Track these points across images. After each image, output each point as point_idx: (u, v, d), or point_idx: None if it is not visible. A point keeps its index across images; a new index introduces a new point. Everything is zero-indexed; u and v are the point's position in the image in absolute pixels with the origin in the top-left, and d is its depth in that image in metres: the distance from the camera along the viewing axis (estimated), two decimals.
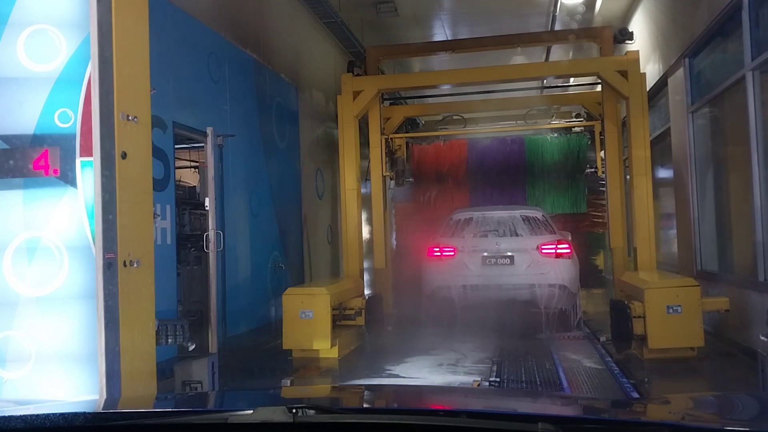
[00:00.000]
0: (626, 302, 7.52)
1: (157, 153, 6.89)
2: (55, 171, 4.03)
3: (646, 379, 6.39)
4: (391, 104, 13.58)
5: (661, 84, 10.57)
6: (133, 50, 4.14)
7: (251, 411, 1.43)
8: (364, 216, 11.48)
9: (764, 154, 6.95)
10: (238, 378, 6.92)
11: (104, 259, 3.84)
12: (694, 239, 9.30)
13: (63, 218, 4.01)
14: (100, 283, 3.82)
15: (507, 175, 12.87)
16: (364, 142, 11.57)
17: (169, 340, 4.65)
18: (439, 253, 9.49)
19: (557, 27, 13.40)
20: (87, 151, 3.97)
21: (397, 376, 7.14)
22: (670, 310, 6.97)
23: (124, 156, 3.97)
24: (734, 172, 8.11)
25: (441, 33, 14.28)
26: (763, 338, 4.33)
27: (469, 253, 9.33)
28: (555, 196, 12.80)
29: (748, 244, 7.35)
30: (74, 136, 4.00)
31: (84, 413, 1.55)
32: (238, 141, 8.85)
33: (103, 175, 3.89)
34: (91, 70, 3.91)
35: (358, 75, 11.08)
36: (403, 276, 12.94)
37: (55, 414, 1.50)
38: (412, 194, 13.37)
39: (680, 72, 9.50)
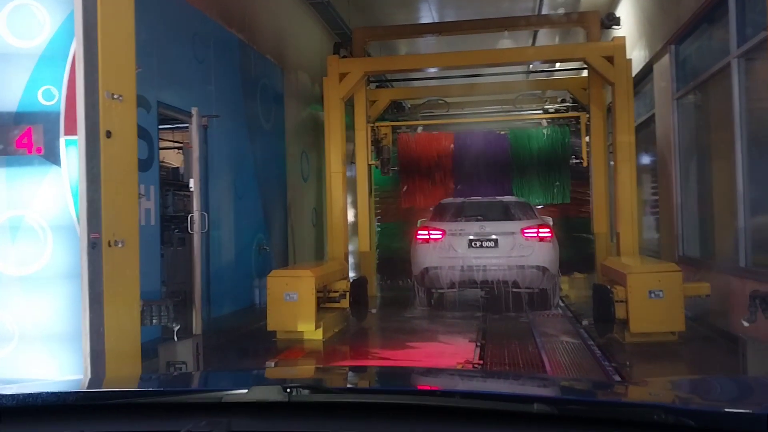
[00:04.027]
0: (609, 287, 7.60)
1: (141, 133, 6.80)
2: (38, 149, 3.97)
3: (627, 363, 6.47)
4: (377, 87, 13.51)
5: (647, 70, 10.60)
6: (118, 27, 4.07)
7: (245, 390, 1.42)
8: (349, 199, 11.47)
9: (748, 141, 7.01)
10: (223, 359, 6.90)
11: (89, 238, 3.80)
12: (676, 225, 9.39)
13: (47, 197, 3.96)
14: (84, 262, 3.79)
15: (492, 168, 12.97)
16: (350, 125, 11.53)
17: (154, 321, 4.63)
18: (427, 236, 9.84)
19: (544, 11, 13.38)
20: (71, 129, 3.91)
21: (382, 357, 7.17)
22: (652, 295, 7.04)
23: (108, 135, 3.92)
24: (718, 158, 8.17)
25: (428, 15, 14.21)
26: (744, 323, 4.39)
27: (456, 236, 9.69)
28: (540, 187, 12.89)
29: (730, 230, 7.43)
30: (58, 114, 3.94)
31: (77, 392, 1.53)
32: (222, 122, 8.77)
33: (87, 154, 3.84)
34: (76, 47, 3.84)
35: (344, 57, 11.01)
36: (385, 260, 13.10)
37: (47, 393, 1.48)
38: (398, 182, 13.40)
39: (666, 58, 9.54)
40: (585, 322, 8.42)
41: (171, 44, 7.71)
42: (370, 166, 11.87)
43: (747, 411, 1.45)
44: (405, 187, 13.27)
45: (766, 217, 6.81)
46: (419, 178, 13.24)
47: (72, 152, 3.93)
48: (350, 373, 2.24)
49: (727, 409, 1.43)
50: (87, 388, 2.07)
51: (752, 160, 6.94)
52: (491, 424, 1.37)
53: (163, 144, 9.18)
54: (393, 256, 13.00)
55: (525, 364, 6.59)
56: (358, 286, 9.33)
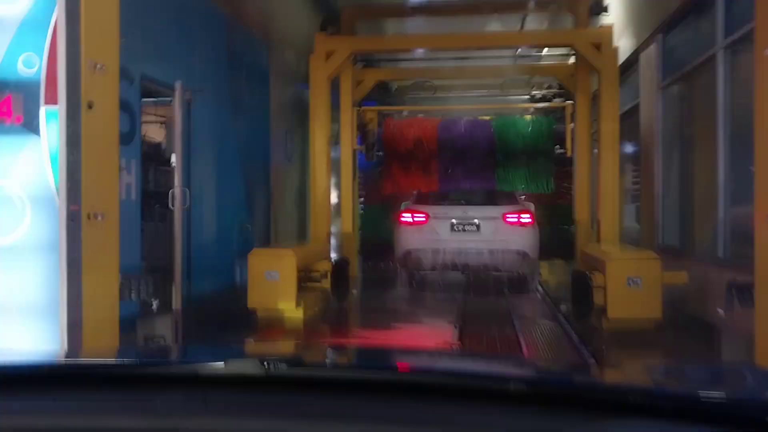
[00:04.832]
0: (588, 273, 7.66)
1: (123, 105, 6.72)
2: (18, 118, 3.91)
3: (604, 348, 6.54)
4: (364, 67, 13.41)
5: (634, 59, 10.62)
6: None
7: (222, 364, 1.41)
8: (332, 180, 11.43)
9: (730, 133, 7.06)
10: (201, 335, 6.88)
11: (68, 210, 3.76)
12: (657, 214, 9.47)
13: (26, 167, 3.91)
14: (63, 234, 3.74)
15: (476, 154, 12.95)
16: (336, 105, 11.45)
17: (133, 295, 4.60)
18: (411, 219, 10.01)
19: None
20: (52, 98, 3.85)
21: (361, 337, 7.20)
22: (631, 282, 7.11)
23: (90, 106, 3.86)
24: (700, 149, 8.23)
25: None
26: (720, 312, 4.45)
27: (440, 220, 9.87)
28: (524, 175, 12.87)
29: (710, 220, 7.51)
30: (39, 82, 3.88)
31: (51, 363, 1.51)
32: (206, 98, 8.67)
33: (68, 125, 3.78)
34: (58, 13, 3.76)
35: (331, 35, 10.91)
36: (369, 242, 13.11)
37: (22, 363, 1.46)
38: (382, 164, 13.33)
39: (653, 48, 9.56)
40: (563, 308, 8.51)
41: (156, 16, 7.59)
42: (354, 149, 11.81)
43: (721, 396, 1.47)
44: (389, 172, 13.20)
45: (745, 208, 6.87)
46: (403, 164, 13.19)
47: (52, 122, 3.87)
48: (329, 351, 2.24)
49: (701, 393, 1.44)
50: (64, 360, 2.05)
51: (734, 152, 7.00)
52: (468, 402, 1.38)
53: (145, 118, 9.09)
54: (375, 238, 13.00)
55: (502, 346, 6.65)
56: (340, 267, 9.32)
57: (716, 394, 1.45)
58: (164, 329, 5.33)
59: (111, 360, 1.76)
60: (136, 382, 1.50)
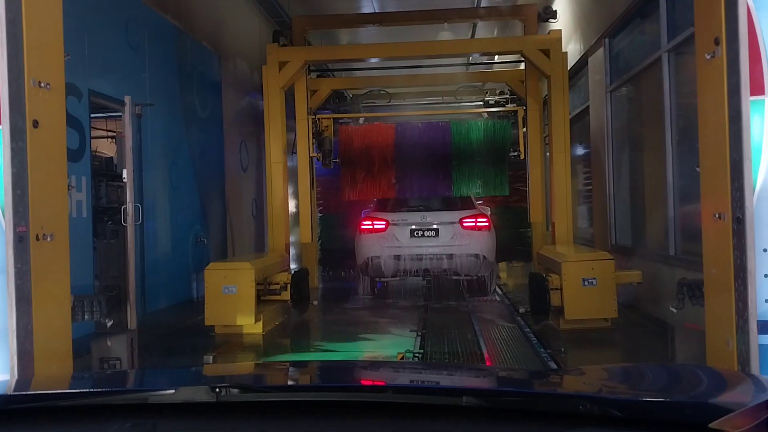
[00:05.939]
0: (544, 275, 7.77)
1: (72, 122, 6.61)
2: None
3: (562, 349, 6.62)
4: (318, 76, 13.39)
5: (582, 63, 10.83)
6: (44, 11, 3.90)
7: (172, 390, 1.39)
8: (290, 189, 11.37)
9: (677, 133, 7.25)
10: (158, 355, 6.76)
11: (15, 232, 3.65)
12: (609, 215, 9.65)
13: None
14: (10, 258, 3.63)
15: (433, 159, 13.02)
16: (291, 114, 11.40)
17: (86, 317, 4.49)
18: (371, 226, 10.13)
19: (484, 4, 13.50)
20: None
21: (323, 350, 7.16)
22: (586, 283, 7.22)
23: (35, 125, 3.76)
24: (648, 150, 8.43)
25: (368, 5, 14.15)
26: (672, 310, 4.54)
27: (399, 226, 10.01)
28: (480, 179, 12.98)
29: (660, 219, 7.68)
30: None
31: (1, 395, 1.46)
32: (157, 111, 8.57)
33: (12, 145, 3.67)
34: None
35: (284, 45, 10.87)
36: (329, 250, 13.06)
37: None
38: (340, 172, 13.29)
39: (600, 52, 9.76)
40: (522, 310, 8.61)
41: (103, 30, 7.47)
42: (311, 157, 11.77)
43: (671, 400, 1.50)
44: (346, 180, 13.17)
45: (694, 206, 7.06)
46: (361, 170, 13.17)
47: None
48: (283, 370, 2.22)
49: (648, 399, 1.47)
50: (14, 390, 2.00)
51: (681, 151, 7.18)
52: (425, 417, 1.38)
53: (95, 133, 8.93)
54: (335, 247, 12.96)
55: (464, 352, 6.69)
56: (300, 278, 9.26)
57: (662, 399, 1.48)
58: (119, 350, 5.22)
59: (61, 390, 1.72)
60: (86, 412, 1.46)
